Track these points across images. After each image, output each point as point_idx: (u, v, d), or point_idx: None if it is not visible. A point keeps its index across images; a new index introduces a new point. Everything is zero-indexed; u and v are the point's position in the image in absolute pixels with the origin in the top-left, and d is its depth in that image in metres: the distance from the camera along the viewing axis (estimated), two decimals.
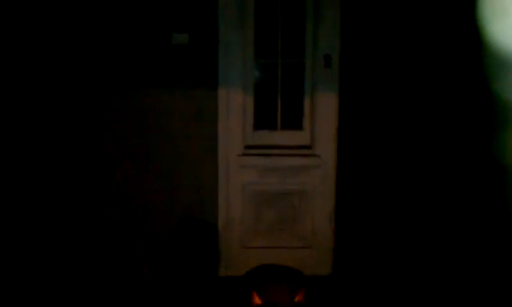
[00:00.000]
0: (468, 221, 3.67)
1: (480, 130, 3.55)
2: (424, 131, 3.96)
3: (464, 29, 3.42)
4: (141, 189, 4.05)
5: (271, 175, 4.13)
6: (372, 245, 4.07)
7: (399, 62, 3.94)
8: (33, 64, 3.90)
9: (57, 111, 3.96)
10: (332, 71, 4.04)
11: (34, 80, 3.91)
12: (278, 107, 4.18)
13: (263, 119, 4.17)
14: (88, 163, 4.02)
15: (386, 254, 4.04)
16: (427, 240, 3.94)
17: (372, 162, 4.05)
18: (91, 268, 4.05)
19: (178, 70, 3.98)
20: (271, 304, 2.90)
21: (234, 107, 4.06)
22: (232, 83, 4.02)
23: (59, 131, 3.98)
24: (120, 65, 3.97)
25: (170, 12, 3.94)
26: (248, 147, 4.13)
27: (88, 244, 4.06)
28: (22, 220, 3.97)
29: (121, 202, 4.05)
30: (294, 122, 4.18)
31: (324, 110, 4.07)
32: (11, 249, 3.93)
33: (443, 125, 3.89)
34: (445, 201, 3.86)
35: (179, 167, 4.06)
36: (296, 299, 2.97)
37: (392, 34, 3.92)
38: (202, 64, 3.97)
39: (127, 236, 4.07)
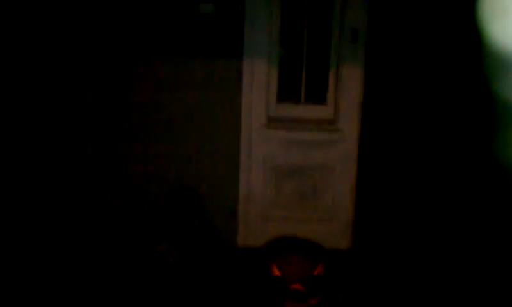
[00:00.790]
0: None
1: (480, 129, 3.55)
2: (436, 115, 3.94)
3: (464, 29, 3.39)
4: (160, 162, 4.07)
5: (292, 148, 4.13)
6: (391, 220, 4.07)
7: (418, 46, 3.90)
8: (57, 26, 3.90)
9: (75, 79, 3.98)
10: (358, 46, 4.00)
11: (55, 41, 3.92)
12: (302, 80, 4.15)
13: (287, 92, 4.16)
14: (106, 137, 4.06)
15: (405, 229, 4.04)
16: (445, 217, 3.94)
17: (394, 138, 4.03)
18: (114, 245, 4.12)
19: (204, 40, 3.96)
20: (289, 276, 2.89)
21: (258, 79, 4.04)
22: (256, 55, 4.01)
23: (76, 99, 4.00)
24: (143, 32, 3.95)
25: None
26: (270, 120, 4.13)
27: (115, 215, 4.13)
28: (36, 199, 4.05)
29: (137, 175, 4.08)
30: (317, 96, 4.16)
31: (348, 85, 4.05)
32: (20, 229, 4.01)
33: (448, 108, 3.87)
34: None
35: (201, 138, 4.07)
36: (316, 272, 2.93)
37: (412, 20, 3.87)
38: (228, 35, 3.95)
39: (144, 206, 4.12)
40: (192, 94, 4.01)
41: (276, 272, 2.87)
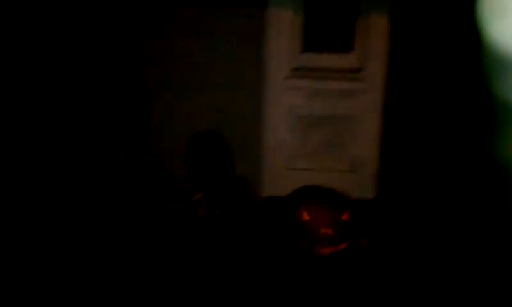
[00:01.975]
0: None
1: (479, 129, 3.54)
2: None
3: (464, 29, 3.33)
4: (183, 111, 4.07)
5: (318, 98, 4.11)
6: (415, 170, 4.05)
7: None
8: None
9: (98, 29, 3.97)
10: None
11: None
12: (327, 29, 4.09)
13: (312, 41, 4.10)
14: (131, 86, 4.06)
15: (428, 179, 4.02)
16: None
17: (420, 87, 3.97)
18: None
19: None
20: (318, 220, 2.91)
21: (283, 28, 4.00)
22: (281, 3, 3.95)
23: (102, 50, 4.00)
24: None
25: None
26: (295, 69, 4.10)
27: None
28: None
29: (162, 131, 4.10)
30: (343, 45, 4.11)
31: (374, 34, 3.99)
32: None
33: None
34: None
35: (224, 88, 4.05)
36: (343, 218, 2.97)
37: None
38: None
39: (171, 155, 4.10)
40: (216, 43, 3.98)
41: (305, 217, 2.92)
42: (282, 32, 4.01)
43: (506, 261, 3.19)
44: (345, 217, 3.01)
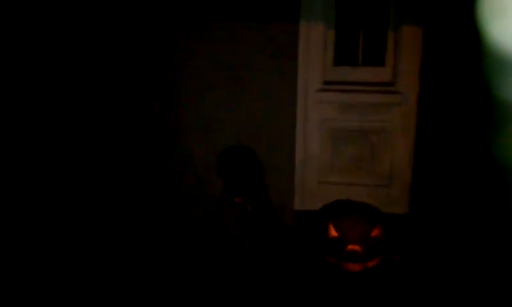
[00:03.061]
0: None
1: (479, 129, 3.51)
2: None
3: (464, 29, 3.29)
4: (216, 125, 4.10)
5: (350, 112, 4.09)
6: (449, 185, 3.97)
7: None
8: None
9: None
10: (419, 5, 3.87)
11: None
12: (359, 42, 4.08)
13: (344, 55, 4.09)
14: (164, 97, 4.11)
15: (462, 194, 3.91)
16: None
17: (454, 102, 3.89)
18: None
19: (260, 2, 3.93)
20: (347, 236, 2.87)
21: (315, 41, 4.00)
22: (313, 17, 3.95)
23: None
24: None
25: None
26: (327, 83, 4.09)
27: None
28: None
29: (194, 145, 4.14)
30: (375, 58, 4.08)
31: (407, 46, 3.95)
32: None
33: None
34: None
35: (257, 103, 4.06)
36: (373, 234, 2.90)
37: None
38: None
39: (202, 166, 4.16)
40: (249, 56, 4.00)
41: (334, 232, 2.87)
42: (314, 46, 4.01)
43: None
44: (375, 232, 2.94)
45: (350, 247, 2.78)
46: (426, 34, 3.89)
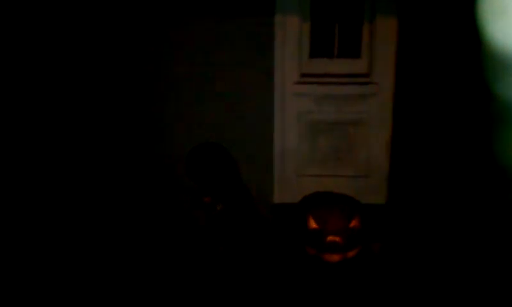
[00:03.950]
0: None
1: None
2: None
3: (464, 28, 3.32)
4: (194, 120, 4.08)
5: (327, 104, 4.10)
6: (426, 175, 4.03)
7: None
8: None
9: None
10: None
11: None
12: (335, 34, 4.09)
13: (320, 47, 4.10)
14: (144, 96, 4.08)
15: (439, 184, 3.99)
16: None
17: (429, 91, 3.94)
18: None
19: None
20: (326, 228, 2.88)
21: (290, 34, 4.00)
22: (288, 10, 3.95)
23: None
24: None
25: None
26: (303, 75, 4.10)
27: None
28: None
29: (171, 138, 4.11)
30: (351, 50, 4.09)
31: (383, 37, 3.97)
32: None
33: None
34: None
35: (234, 96, 4.05)
36: (352, 224, 2.93)
37: None
38: None
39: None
40: (225, 52, 3.99)
41: (313, 224, 2.89)
42: (290, 39, 4.01)
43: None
44: (354, 223, 2.96)
45: (330, 238, 2.81)
46: (401, 24, 3.92)
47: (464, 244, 3.50)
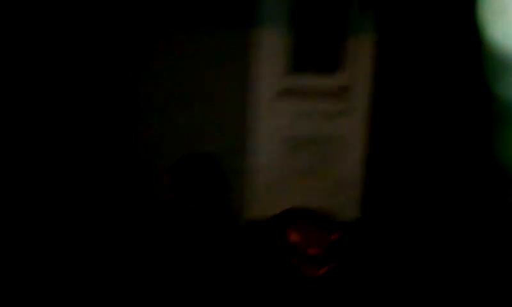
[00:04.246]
0: None
1: (479, 129, 3.61)
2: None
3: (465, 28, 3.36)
4: (169, 134, 4.01)
5: (304, 118, 4.11)
6: (402, 192, 4.09)
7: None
8: None
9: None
10: (371, 12, 3.93)
11: None
12: (314, 49, 4.09)
13: (298, 62, 4.10)
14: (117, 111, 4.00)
15: (415, 201, 4.05)
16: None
17: (407, 109, 4.02)
18: None
19: (212, 6, 3.88)
20: (300, 243, 2.92)
21: (269, 48, 3.99)
22: (268, 23, 3.95)
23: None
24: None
25: None
26: (281, 90, 4.09)
27: None
28: None
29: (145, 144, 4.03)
30: (330, 65, 4.11)
31: (362, 54, 4.01)
32: None
33: None
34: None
35: (210, 109, 4.01)
36: (326, 241, 3.00)
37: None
38: (238, 1, 3.88)
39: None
40: (201, 62, 3.94)
41: (287, 240, 2.91)
42: (269, 52, 4.00)
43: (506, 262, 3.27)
44: (328, 239, 3.02)
45: (303, 253, 2.85)
46: (381, 42, 3.97)
47: (444, 261, 3.56)
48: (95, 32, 3.89)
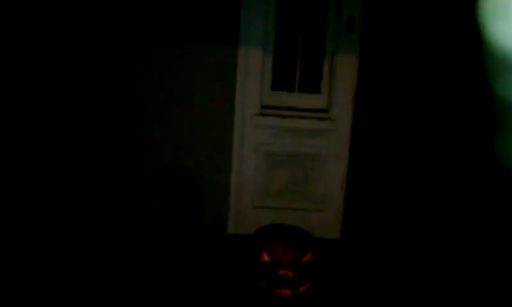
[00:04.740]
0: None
1: (480, 129, 3.60)
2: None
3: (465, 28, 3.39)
4: (154, 146, 4.04)
5: (285, 136, 4.14)
6: (381, 211, 4.09)
7: (414, 41, 3.91)
8: None
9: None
10: (354, 35, 3.98)
11: None
12: (296, 68, 4.14)
13: (281, 80, 4.15)
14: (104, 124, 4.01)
15: (394, 221, 4.05)
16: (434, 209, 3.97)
17: (387, 129, 4.03)
18: None
19: (199, 25, 3.92)
20: (278, 261, 2.84)
21: (253, 66, 4.03)
22: (252, 41, 3.98)
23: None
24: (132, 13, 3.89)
25: None
26: (264, 107, 4.13)
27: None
28: None
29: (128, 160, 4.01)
30: (312, 85, 4.15)
31: (342, 74, 4.03)
32: None
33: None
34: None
35: (193, 125, 4.04)
36: (305, 259, 2.88)
37: (409, 12, 3.87)
38: (224, 21, 3.92)
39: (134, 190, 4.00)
40: (187, 80, 3.98)
41: (266, 257, 2.83)
42: (252, 70, 4.03)
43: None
44: (307, 257, 2.92)
45: (281, 272, 2.74)
46: (361, 64, 4.00)
47: (419, 280, 3.54)
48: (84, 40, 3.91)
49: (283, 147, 4.15)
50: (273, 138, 4.14)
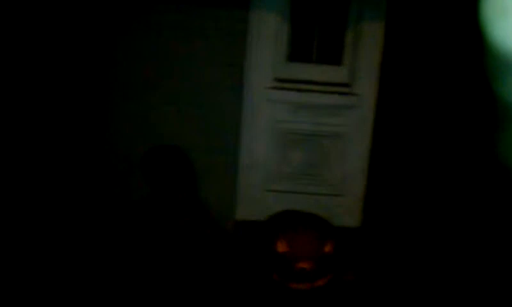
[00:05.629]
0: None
1: (482, 129, 3.59)
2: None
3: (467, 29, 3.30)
4: (151, 121, 3.85)
5: (302, 113, 3.94)
6: (405, 199, 3.94)
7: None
8: None
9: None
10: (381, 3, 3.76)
11: None
12: (315, 37, 3.92)
13: (298, 50, 3.94)
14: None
15: (419, 206, 3.91)
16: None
17: (417, 104, 3.86)
18: None
19: None
20: (295, 252, 2.63)
21: (266, 33, 3.83)
22: (266, 6, 3.77)
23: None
24: None
25: None
26: (278, 80, 3.94)
27: None
28: None
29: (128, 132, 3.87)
30: (332, 56, 3.94)
31: (367, 44, 3.83)
32: None
33: None
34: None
35: (199, 96, 3.83)
36: (324, 250, 2.67)
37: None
38: None
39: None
40: (189, 45, 3.76)
41: (281, 248, 2.63)
42: (265, 38, 3.84)
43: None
44: (327, 249, 2.78)
45: (299, 264, 2.57)
46: (388, 31, 3.80)
47: (441, 272, 3.46)
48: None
49: (299, 124, 3.96)
50: (288, 114, 3.96)
